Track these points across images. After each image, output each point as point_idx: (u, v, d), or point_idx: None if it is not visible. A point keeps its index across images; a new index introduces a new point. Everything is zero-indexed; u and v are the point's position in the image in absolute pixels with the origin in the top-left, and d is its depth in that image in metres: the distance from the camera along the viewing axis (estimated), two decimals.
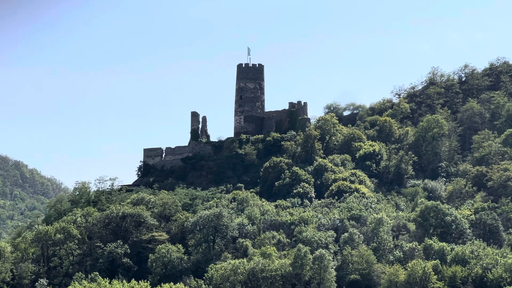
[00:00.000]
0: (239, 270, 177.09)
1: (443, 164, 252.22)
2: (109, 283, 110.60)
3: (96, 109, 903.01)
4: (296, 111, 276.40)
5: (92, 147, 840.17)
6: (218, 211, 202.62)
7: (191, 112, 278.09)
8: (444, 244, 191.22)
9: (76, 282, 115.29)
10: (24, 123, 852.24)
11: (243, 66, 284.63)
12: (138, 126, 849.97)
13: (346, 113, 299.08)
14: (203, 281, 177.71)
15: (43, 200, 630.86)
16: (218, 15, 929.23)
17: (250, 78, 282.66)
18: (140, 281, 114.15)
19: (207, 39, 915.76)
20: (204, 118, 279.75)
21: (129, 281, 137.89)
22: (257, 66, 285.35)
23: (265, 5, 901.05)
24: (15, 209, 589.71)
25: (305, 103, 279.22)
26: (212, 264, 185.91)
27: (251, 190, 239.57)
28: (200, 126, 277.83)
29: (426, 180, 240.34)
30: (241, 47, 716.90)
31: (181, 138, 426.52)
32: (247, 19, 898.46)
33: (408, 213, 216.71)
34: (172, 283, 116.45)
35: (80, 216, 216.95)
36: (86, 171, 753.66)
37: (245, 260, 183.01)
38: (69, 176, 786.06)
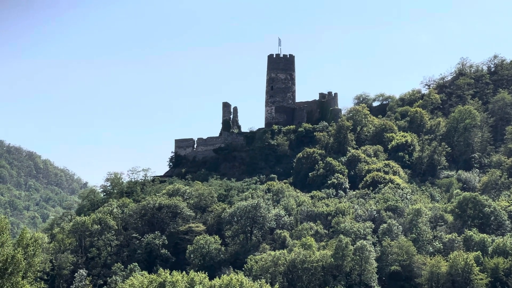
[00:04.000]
0: (280, 262, 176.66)
1: (476, 155, 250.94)
2: (170, 274, 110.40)
3: (127, 99, 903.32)
4: (327, 102, 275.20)
5: (122, 137, 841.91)
6: (256, 202, 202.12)
7: (223, 102, 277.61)
8: (484, 235, 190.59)
9: (137, 274, 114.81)
10: (47, 114, 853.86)
11: (274, 56, 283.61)
12: (169, 117, 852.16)
13: (375, 103, 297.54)
14: (242, 272, 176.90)
15: (57, 190, 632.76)
16: (249, 6, 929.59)
17: (281, 69, 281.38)
18: (198, 272, 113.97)
19: (238, 29, 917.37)
20: (235, 109, 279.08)
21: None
22: (288, 56, 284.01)
23: None
24: (31, 200, 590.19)
25: (336, 94, 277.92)
26: (251, 255, 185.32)
27: (284, 180, 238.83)
28: (231, 116, 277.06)
29: (459, 171, 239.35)
30: (272, 38, 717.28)
31: (212, 128, 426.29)
32: (278, 10, 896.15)
33: (444, 204, 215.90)
34: (232, 274, 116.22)
35: (116, 207, 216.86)
36: (117, 162, 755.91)
37: (285, 251, 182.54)
38: (96, 167, 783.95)
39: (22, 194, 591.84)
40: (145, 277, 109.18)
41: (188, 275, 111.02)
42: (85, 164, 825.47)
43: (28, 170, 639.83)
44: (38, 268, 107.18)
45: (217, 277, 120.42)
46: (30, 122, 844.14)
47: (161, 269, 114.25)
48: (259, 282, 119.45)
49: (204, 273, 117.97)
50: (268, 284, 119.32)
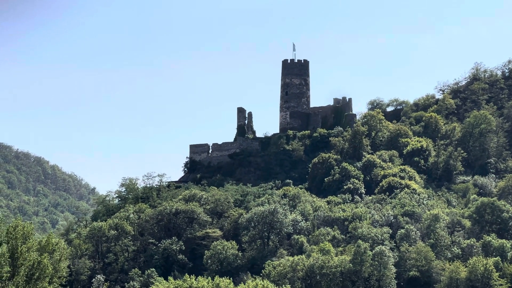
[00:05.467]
0: (298, 267, 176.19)
1: (492, 160, 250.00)
2: (195, 279, 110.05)
3: (141, 104, 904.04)
4: (341, 107, 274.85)
5: (138, 143, 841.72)
6: (273, 207, 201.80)
7: (238, 108, 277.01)
8: (504, 241, 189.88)
9: (162, 279, 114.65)
10: (61, 119, 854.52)
11: (289, 62, 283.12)
12: (183, 122, 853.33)
13: (389, 109, 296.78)
14: (260, 278, 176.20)
15: (65, 196, 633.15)
16: (263, 11, 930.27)
17: (295, 74, 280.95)
18: (223, 278, 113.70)
19: (253, 35, 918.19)
20: (250, 114, 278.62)
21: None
22: (302, 62, 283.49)
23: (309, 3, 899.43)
24: (40, 205, 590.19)
25: (350, 99, 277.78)
26: (269, 261, 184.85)
27: (300, 186, 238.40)
28: (246, 122, 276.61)
29: (476, 176, 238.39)
30: (286, 43, 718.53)
31: (226, 134, 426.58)
32: (292, 15, 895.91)
33: (461, 209, 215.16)
34: (258, 280, 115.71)
35: (133, 213, 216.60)
36: (129, 167, 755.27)
37: (303, 256, 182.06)
38: (108, 173, 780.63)
39: (31, 200, 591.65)
40: (171, 283, 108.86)
41: (213, 280, 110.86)
42: (95, 170, 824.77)
43: (36, 175, 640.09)
44: (64, 273, 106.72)
45: (242, 283, 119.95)
46: (38, 127, 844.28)
47: (186, 274, 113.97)
48: (285, 287, 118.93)
49: (229, 279, 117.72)
50: None
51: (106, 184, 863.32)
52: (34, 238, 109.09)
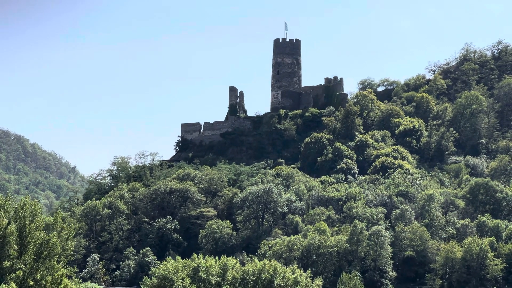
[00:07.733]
0: (295, 247, 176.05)
1: (483, 140, 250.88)
2: (203, 258, 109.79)
3: (133, 82, 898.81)
4: (333, 87, 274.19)
5: (128, 122, 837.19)
6: (268, 187, 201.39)
7: (229, 87, 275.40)
8: (498, 221, 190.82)
9: (170, 258, 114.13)
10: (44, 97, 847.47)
11: (280, 41, 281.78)
12: (175, 101, 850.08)
13: (380, 89, 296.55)
14: (256, 257, 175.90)
15: (46, 174, 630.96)
16: None
17: (287, 53, 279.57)
18: (230, 257, 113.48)
19: (245, 14, 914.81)
20: (241, 93, 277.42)
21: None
22: (294, 41, 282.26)
23: None
24: (20, 184, 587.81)
25: (341, 79, 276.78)
26: (265, 240, 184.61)
27: (292, 165, 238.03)
28: (238, 101, 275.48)
29: (467, 157, 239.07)
30: (278, 22, 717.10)
31: (218, 113, 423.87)
32: None
33: (454, 189, 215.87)
34: (265, 260, 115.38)
35: (127, 191, 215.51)
36: (124, 146, 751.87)
37: (300, 236, 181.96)
38: (99, 152, 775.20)
39: (12, 178, 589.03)
40: (179, 262, 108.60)
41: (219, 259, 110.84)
42: (77, 148, 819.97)
43: (16, 154, 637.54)
44: (71, 252, 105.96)
45: (248, 262, 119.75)
46: (18, 105, 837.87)
47: (194, 254, 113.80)
48: (292, 267, 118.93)
49: (236, 258, 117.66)
50: (301, 269, 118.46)
51: (88, 163, 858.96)
52: (42, 216, 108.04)
